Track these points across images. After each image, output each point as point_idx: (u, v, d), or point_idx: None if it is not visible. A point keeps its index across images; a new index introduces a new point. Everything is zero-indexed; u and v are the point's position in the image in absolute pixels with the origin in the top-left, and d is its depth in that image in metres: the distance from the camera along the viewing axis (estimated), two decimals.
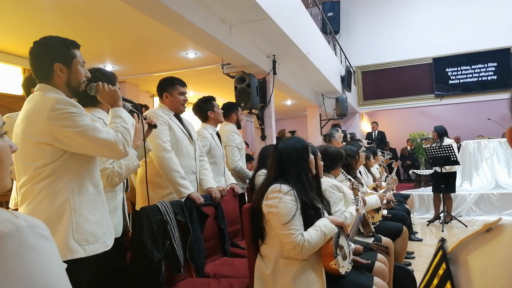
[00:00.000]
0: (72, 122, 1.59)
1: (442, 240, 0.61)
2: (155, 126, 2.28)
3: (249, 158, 5.56)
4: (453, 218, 6.24)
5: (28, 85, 2.75)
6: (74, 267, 1.56)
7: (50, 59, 1.66)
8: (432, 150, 6.16)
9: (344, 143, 5.43)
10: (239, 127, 4.10)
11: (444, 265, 0.57)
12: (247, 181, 3.89)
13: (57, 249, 0.69)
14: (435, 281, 0.57)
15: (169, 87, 2.85)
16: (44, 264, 0.64)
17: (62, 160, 1.62)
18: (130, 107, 2.06)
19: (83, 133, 1.60)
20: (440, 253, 0.59)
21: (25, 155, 1.61)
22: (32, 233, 0.64)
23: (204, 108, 3.50)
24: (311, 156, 2.14)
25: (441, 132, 6.42)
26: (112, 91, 1.86)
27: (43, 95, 1.63)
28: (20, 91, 2.81)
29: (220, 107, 4.03)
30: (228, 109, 3.96)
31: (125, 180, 2.59)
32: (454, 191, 6.36)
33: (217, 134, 3.54)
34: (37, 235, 0.65)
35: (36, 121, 1.59)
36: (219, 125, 3.72)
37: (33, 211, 1.58)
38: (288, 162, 2.05)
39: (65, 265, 0.72)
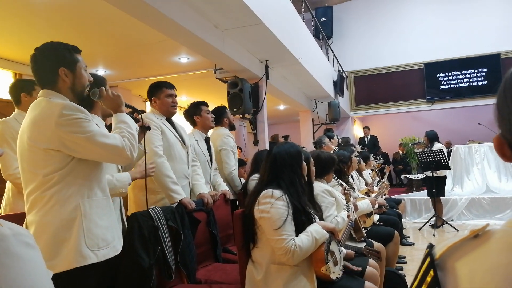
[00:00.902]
0: (80, 128, 1.59)
1: (430, 246, 0.60)
2: (148, 128, 2.27)
3: (241, 163, 5.54)
4: (445, 223, 6.28)
5: (17, 91, 2.72)
6: (86, 272, 1.58)
7: (54, 64, 1.67)
8: (424, 155, 6.21)
9: (336, 148, 5.45)
10: (233, 128, 4.07)
11: (432, 272, 0.56)
12: (238, 188, 3.80)
13: (42, 257, 0.68)
14: None
15: (156, 91, 2.85)
16: (29, 272, 0.63)
17: (70, 166, 1.62)
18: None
19: (91, 139, 1.60)
20: (428, 259, 0.58)
21: (33, 162, 1.60)
22: (17, 242, 0.64)
23: (191, 112, 3.46)
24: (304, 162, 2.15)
25: (431, 137, 6.49)
26: (116, 96, 1.87)
27: (49, 101, 1.63)
28: (9, 96, 2.78)
29: None
30: (219, 114, 3.92)
31: None
32: (443, 194, 6.43)
33: (206, 140, 3.48)
34: (22, 243, 0.64)
35: (43, 128, 1.58)
36: (210, 130, 3.64)
37: (43, 218, 1.57)
38: (282, 166, 2.06)
39: (51, 273, 0.71)
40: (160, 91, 2.84)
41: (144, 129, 2.22)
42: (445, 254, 0.57)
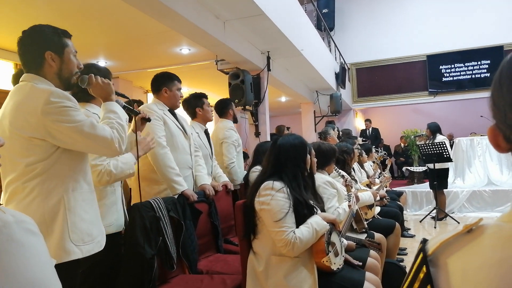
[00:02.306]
0: (68, 117, 1.51)
1: (423, 242, 0.60)
2: (148, 120, 2.26)
3: (245, 156, 5.54)
4: (447, 215, 6.28)
5: (14, 82, 2.73)
6: (69, 266, 1.52)
7: (41, 47, 1.58)
8: (425, 147, 6.20)
9: (338, 140, 5.44)
10: (236, 121, 4.07)
11: (424, 269, 0.56)
12: (237, 182, 3.78)
13: (45, 244, 0.68)
14: (416, 285, 0.56)
15: (169, 82, 2.85)
16: (32, 259, 0.64)
17: (55, 156, 1.54)
18: (124, 104, 2.05)
19: (79, 129, 1.52)
20: (421, 255, 0.58)
21: (14, 150, 1.50)
22: (20, 229, 0.64)
23: (193, 104, 3.44)
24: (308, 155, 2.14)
25: (433, 129, 6.47)
26: (106, 84, 1.79)
27: (34, 86, 1.53)
28: (11, 87, 2.77)
29: (214, 104, 4.00)
30: (223, 106, 3.92)
31: None
32: (446, 187, 6.42)
33: (206, 132, 3.48)
34: (25, 230, 0.65)
35: (28, 115, 1.49)
36: (215, 122, 3.66)
37: (25, 210, 1.46)
38: (286, 160, 2.05)
39: (54, 261, 0.71)
40: (172, 83, 2.85)
41: (144, 120, 2.23)
42: (437, 250, 0.57)
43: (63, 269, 1.46)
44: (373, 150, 6.28)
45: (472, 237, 0.55)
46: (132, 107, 2.13)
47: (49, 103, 1.48)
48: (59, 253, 1.48)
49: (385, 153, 8.21)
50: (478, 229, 0.56)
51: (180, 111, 3.15)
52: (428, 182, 7.28)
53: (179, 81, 2.91)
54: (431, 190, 6.65)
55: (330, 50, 9.38)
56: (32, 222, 0.67)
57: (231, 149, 3.75)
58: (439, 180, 6.17)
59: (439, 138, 6.26)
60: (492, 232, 0.53)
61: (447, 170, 6.39)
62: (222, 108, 3.90)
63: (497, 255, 0.49)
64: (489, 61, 10.41)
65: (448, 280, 0.53)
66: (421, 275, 0.56)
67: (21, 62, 1.63)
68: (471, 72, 10.63)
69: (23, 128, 1.50)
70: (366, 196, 3.34)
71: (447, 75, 10.83)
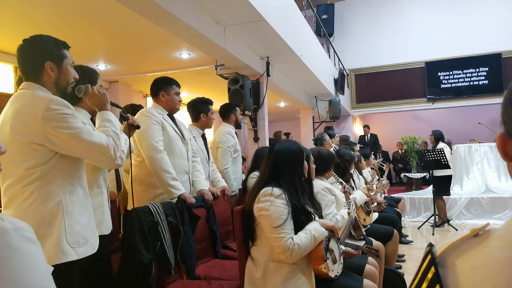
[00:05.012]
0: (66, 123, 1.58)
1: (430, 245, 0.61)
2: (138, 127, 2.24)
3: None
4: (445, 222, 6.27)
5: (18, 86, 2.74)
6: (67, 268, 1.56)
7: (41, 57, 1.65)
8: (424, 154, 6.22)
9: (337, 146, 5.44)
10: (239, 127, 4.06)
11: (433, 269, 0.57)
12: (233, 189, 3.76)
13: (42, 252, 0.68)
14: (424, 285, 0.57)
15: (166, 86, 2.86)
16: (30, 267, 0.63)
17: (53, 161, 1.60)
18: (120, 113, 2.12)
19: (76, 135, 1.59)
20: (429, 257, 0.59)
21: (14, 154, 1.56)
22: (18, 236, 0.64)
23: (199, 108, 3.44)
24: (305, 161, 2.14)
25: (437, 136, 6.52)
26: (101, 94, 1.85)
27: (34, 94, 1.61)
28: (11, 90, 2.78)
29: (218, 108, 4.00)
30: (227, 110, 3.92)
31: (116, 181, 2.59)
32: (448, 193, 6.42)
33: (203, 136, 3.47)
34: (23, 238, 0.64)
35: (28, 120, 1.55)
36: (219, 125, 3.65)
37: (24, 213, 1.54)
38: (284, 165, 2.05)
39: (52, 268, 0.71)
40: (170, 87, 2.85)
41: (132, 127, 2.19)
42: (446, 252, 0.58)
43: (61, 270, 1.49)
44: (371, 156, 6.28)
45: (479, 240, 0.57)
46: (125, 114, 2.15)
47: (49, 110, 1.55)
48: (57, 254, 1.53)
49: (382, 160, 8.22)
50: (485, 233, 0.58)
51: (180, 115, 3.14)
52: (426, 189, 7.29)
53: (178, 85, 2.92)
54: (431, 197, 6.64)
55: (329, 56, 9.40)
56: (30, 230, 0.67)
57: (226, 155, 3.73)
58: (440, 187, 6.17)
59: (440, 145, 6.30)
60: (500, 235, 0.55)
61: (449, 177, 6.39)
62: (226, 112, 3.91)
63: (504, 255, 0.51)
64: (487, 68, 10.45)
65: (457, 279, 0.55)
66: (430, 276, 0.57)
67: (20, 69, 1.68)
68: (469, 79, 10.66)
69: (23, 133, 1.55)
70: (358, 195, 3.30)
71: (446, 82, 10.87)
